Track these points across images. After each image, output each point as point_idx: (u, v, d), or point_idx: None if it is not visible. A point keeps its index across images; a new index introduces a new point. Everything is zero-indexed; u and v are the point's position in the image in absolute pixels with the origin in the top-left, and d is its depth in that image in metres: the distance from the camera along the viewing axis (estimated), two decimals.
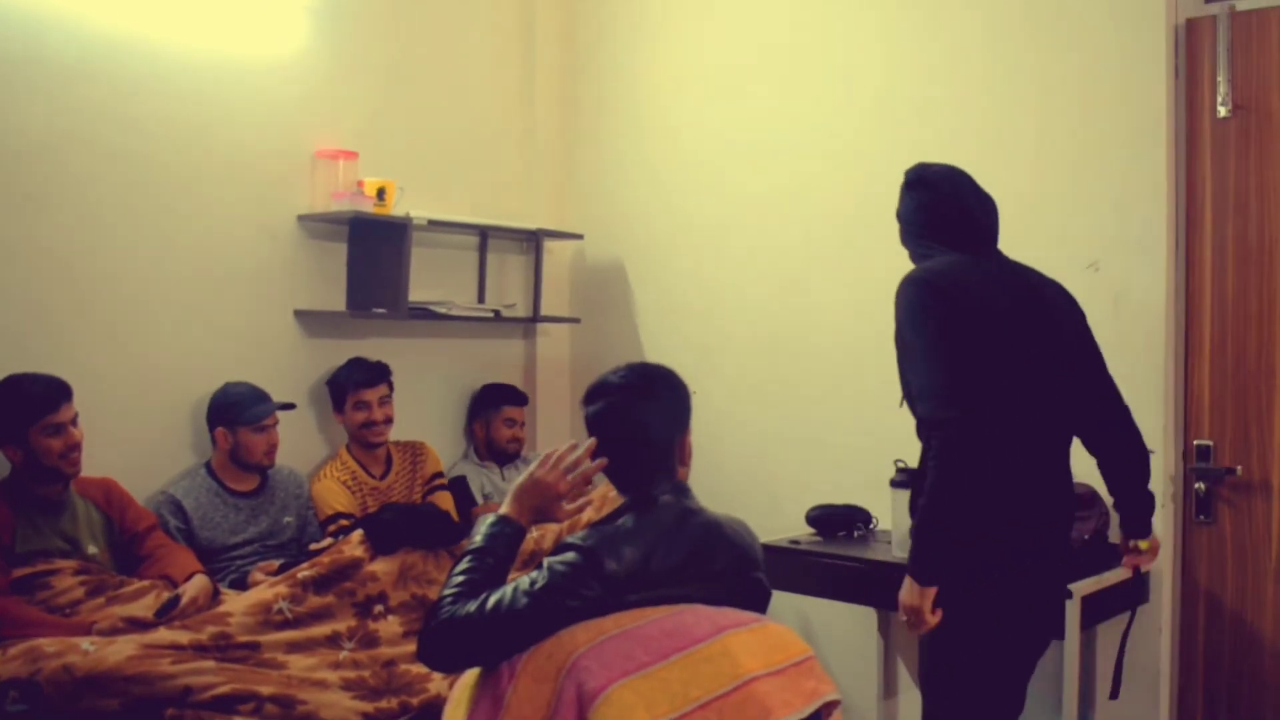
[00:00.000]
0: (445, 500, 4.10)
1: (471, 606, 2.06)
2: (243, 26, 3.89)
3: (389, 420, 4.02)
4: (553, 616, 2.02)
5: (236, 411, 3.64)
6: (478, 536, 2.23)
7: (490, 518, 2.27)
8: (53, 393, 3.15)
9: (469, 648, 2.06)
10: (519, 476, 2.31)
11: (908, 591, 2.54)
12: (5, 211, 3.37)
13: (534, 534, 3.50)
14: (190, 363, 3.76)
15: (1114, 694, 3.28)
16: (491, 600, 2.05)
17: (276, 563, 3.48)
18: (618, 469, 2.29)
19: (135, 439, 3.63)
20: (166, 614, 3.04)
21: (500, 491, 4.27)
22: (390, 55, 4.33)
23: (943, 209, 2.75)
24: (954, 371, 2.50)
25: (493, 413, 4.44)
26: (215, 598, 3.20)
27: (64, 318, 3.49)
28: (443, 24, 4.50)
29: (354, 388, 3.97)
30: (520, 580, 2.08)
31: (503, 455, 4.40)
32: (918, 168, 2.82)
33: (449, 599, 2.10)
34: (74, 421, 3.19)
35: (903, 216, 2.82)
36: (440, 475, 4.20)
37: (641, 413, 2.28)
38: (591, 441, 2.28)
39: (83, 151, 3.52)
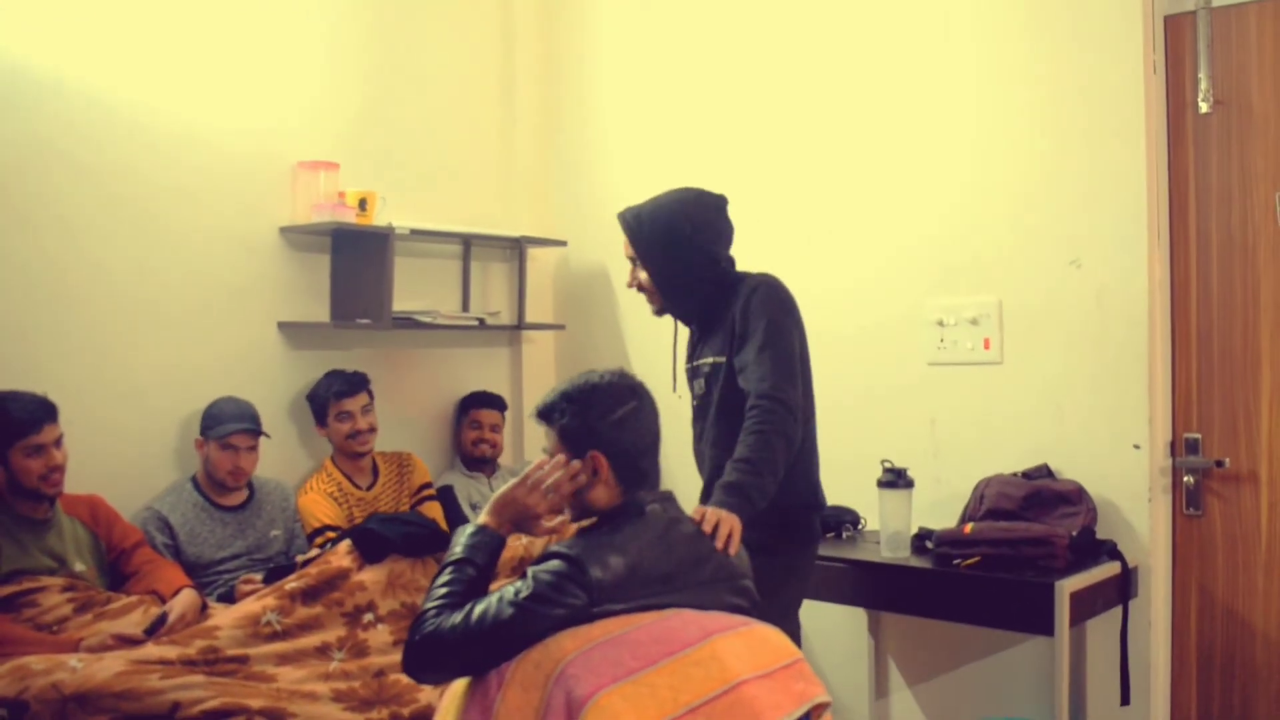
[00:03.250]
0: (434, 511, 4.08)
1: (456, 618, 2.05)
2: (222, 40, 3.87)
3: (373, 429, 4.02)
4: (539, 625, 2.02)
5: (210, 424, 3.64)
6: (457, 547, 2.23)
7: (470, 528, 2.27)
8: (35, 413, 3.12)
9: (455, 660, 2.06)
10: (501, 487, 2.32)
11: (739, 522, 2.51)
12: None
13: (523, 540, 3.48)
14: (174, 378, 3.74)
15: (1125, 700, 3.29)
16: (476, 611, 2.05)
17: (259, 575, 3.46)
18: (632, 474, 2.29)
19: (120, 455, 3.61)
20: (155, 631, 3.02)
21: (487, 501, 4.25)
22: (370, 65, 4.32)
23: (728, 228, 3.06)
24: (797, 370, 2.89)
25: (463, 417, 4.46)
26: (203, 612, 3.18)
27: (46, 334, 3.47)
28: (422, 33, 4.49)
29: (335, 398, 3.96)
30: (505, 590, 2.07)
31: (472, 460, 4.40)
32: (699, 192, 3.03)
33: (432, 611, 2.09)
34: (57, 443, 3.16)
35: (709, 232, 2.98)
36: (428, 486, 4.19)
37: (653, 419, 2.33)
38: (560, 458, 2.29)
39: (62, 167, 3.51)
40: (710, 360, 2.96)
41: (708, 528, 2.38)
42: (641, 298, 2.91)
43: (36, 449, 3.10)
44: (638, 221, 3.00)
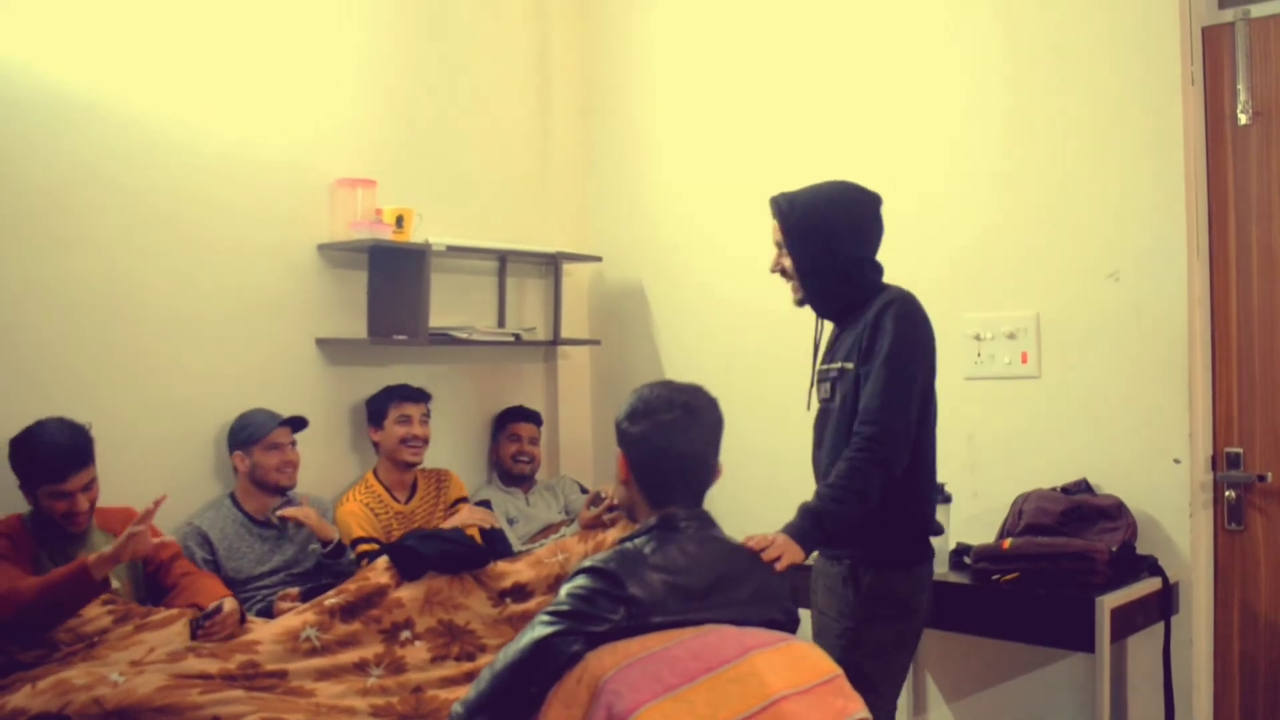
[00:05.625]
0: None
1: (500, 658, 2.06)
2: (260, 59, 3.92)
3: (426, 440, 4.07)
4: (576, 642, 2.02)
5: (249, 432, 3.67)
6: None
7: None
8: (64, 460, 3.12)
9: (505, 690, 2.05)
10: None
11: (798, 552, 2.47)
12: (29, 249, 3.40)
13: (559, 557, 3.49)
14: (213, 393, 3.77)
15: (1169, 718, 3.26)
16: (519, 642, 2.05)
17: (296, 590, 3.48)
18: (657, 486, 2.29)
19: (159, 470, 3.64)
20: (210, 618, 3.05)
21: (524, 515, 4.27)
22: (408, 83, 4.35)
23: (879, 230, 2.94)
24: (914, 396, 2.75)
25: (501, 432, 4.49)
26: (242, 623, 3.19)
27: (88, 351, 3.51)
28: (459, 52, 4.52)
29: (399, 401, 4.03)
30: (539, 616, 2.08)
31: (511, 475, 4.42)
32: (856, 188, 2.93)
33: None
34: (87, 487, 3.17)
35: (858, 231, 2.89)
36: (463, 500, 4.21)
37: (693, 437, 2.30)
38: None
39: (103, 187, 3.54)
40: (839, 366, 2.86)
41: (767, 556, 2.36)
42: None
43: (62, 495, 3.13)
44: (790, 206, 2.89)
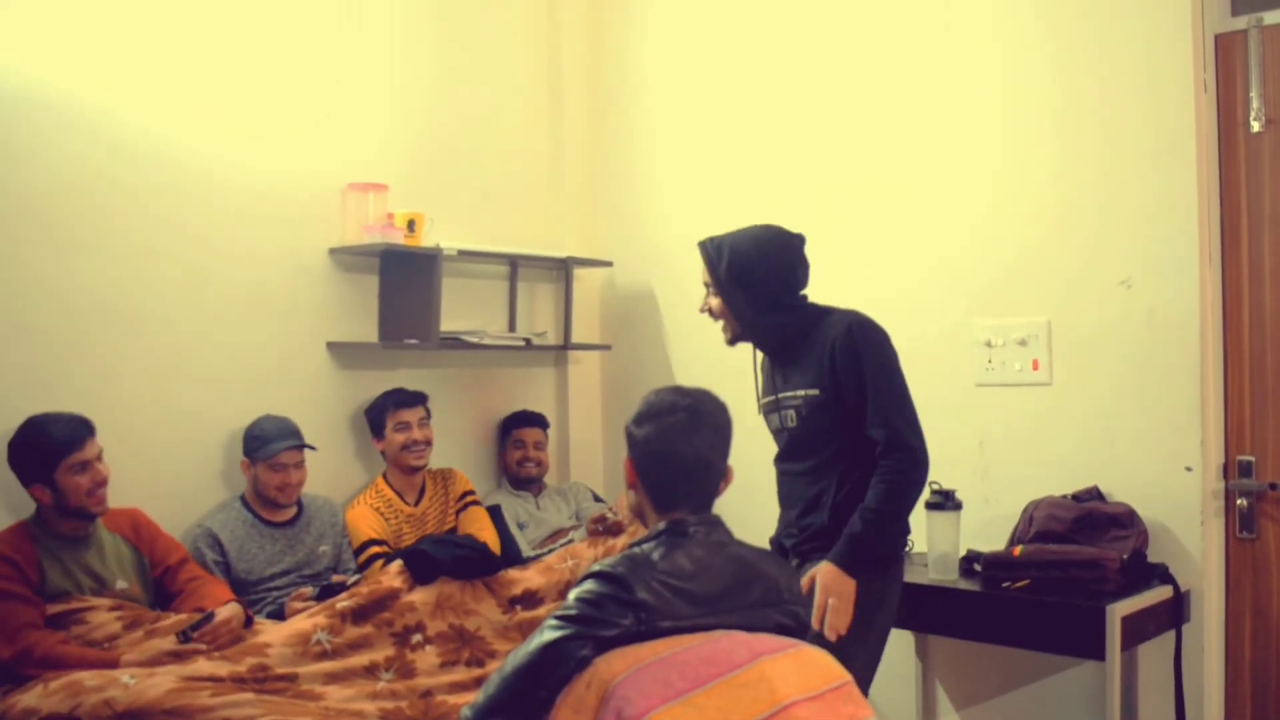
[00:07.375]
0: (479, 515, 4.12)
1: (509, 662, 2.05)
2: (273, 66, 3.93)
3: (429, 442, 4.06)
4: (583, 647, 2.01)
5: (256, 445, 3.68)
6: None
7: None
8: (76, 430, 3.16)
9: (510, 695, 2.05)
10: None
11: (850, 588, 2.68)
12: (38, 251, 3.41)
13: (569, 563, 3.50)
14: (224, 396, 3.78)
15: None
16: (528, 647, 2.05)
17: (310, 589, 3.48)
18: (662, 490, 2.28)
19: (170, 472, 3.65)
20: (199, 627, 3.05)
21: (535, 520, 4.27)
22: (420, 89, 4.36)
23: (805, 269, 3.05)
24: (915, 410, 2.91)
25: (506, 437, 4.49)
26: (248, 625, 3.19)
27: (98, 354, 3.52)
28: (471, 57, 4.53)
29: (394, 408, 4.02)
30: (547, 620, 2.08)
31: (519, 479, 4.42)
32: (779, 230, 3.06)
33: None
34: (99, 457, 3.19)
35: (785, 270, 3.01)
36: (471, 493, 4.22)
37: (698, 440, 2.28)
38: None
39: (114, 191, 3.56)
40: (803, 394, 2.95)
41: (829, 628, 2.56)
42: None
43: (83, 465, 3.13)
44: (718, 253, 3.02)
